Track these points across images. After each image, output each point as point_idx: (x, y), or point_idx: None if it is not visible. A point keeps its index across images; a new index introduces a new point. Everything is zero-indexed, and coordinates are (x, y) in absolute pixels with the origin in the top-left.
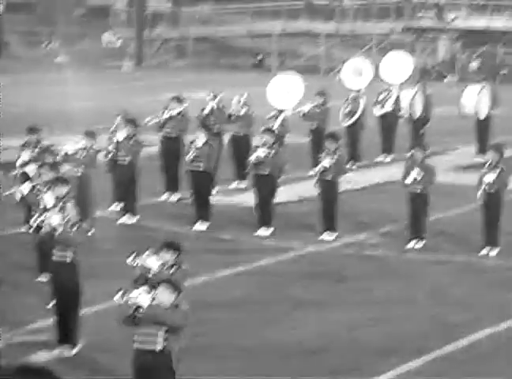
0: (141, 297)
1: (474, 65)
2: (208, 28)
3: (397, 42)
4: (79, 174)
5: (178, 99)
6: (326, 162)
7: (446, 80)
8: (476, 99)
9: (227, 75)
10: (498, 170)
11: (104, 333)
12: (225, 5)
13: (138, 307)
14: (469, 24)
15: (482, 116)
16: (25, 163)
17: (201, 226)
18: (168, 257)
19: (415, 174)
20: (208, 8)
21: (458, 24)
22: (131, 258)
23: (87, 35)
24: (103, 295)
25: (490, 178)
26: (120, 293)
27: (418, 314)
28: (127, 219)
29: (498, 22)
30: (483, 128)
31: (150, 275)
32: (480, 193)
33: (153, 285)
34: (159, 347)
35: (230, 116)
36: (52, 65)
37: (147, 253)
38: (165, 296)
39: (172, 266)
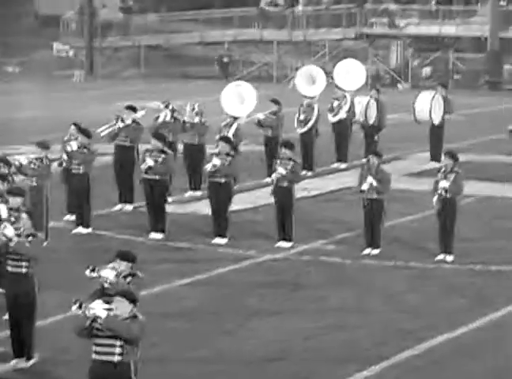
0: (98, 308)
1: (426, 71)
2: (160, 36)
3: (349, 49)
4: (33, 184)
5: (132, 108)
6: (282, 169)
7: (398, 87)
8: (429, 105)
9: (179, 84)
10: (453, 176)
11: (60, 345)
12: (176, 14)
13: (95, 318)
14: (421, 31)
15: (436, 122)
16: None
17: (156, 235)
18: (123, 267)
19: (370, 181)
20: (158, 16)
21: (410, 30)
22: (88, 270)
23: (37, 44)
24: (58, 307)
25: (445, 183)
26: (77, 304)
27: (374, 321)
28: (82, 229)
29: (450, 28)
30: (436, 134)
31: (106, 287)
32: (435, 199)
33: (110, 296)
34: (117, 359)
35: (184, 124)
36: (2, 74)
37: (102, 264)
38: (122, 307)
39: (128, 276)
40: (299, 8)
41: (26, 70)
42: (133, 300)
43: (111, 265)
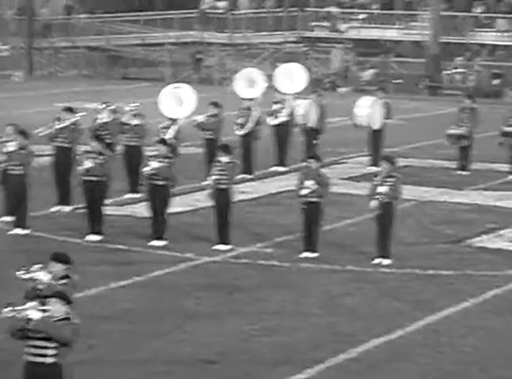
0: (31, 310)
1: (367, 75)
2: (101, 38)
3: (290, 52)
4: None
5: (70, 110)
6: (220, 171)
7: (338, 91)
8: (368, 109)
9: (120, 85)
10: (391, 181)
11: None
12: (118, 15)
13: (28, 320)
14: (362, 35)
15: (375, 127)
16: None
17: (94, 237)
18: (58, 269)
19: (309, 184)
20: (99, 17)
21: (351, 34)
22: (21, 272)
23: None
24: None
25: (383, 188)
26: (9, 308)
27: (310, 324)
28: (19, 231)
29: (391, 32)
30: (376, 139)
31: (40, 288)
32: (372, 203)
33: (44, 298)
34: (49, 360)
35: (123, 126)
36: None
37: (37, 266)
38: (55, 309)
39: (62, 278)
40: (240, 11)
41: None
42: (67, 302)
43: (44, 267)
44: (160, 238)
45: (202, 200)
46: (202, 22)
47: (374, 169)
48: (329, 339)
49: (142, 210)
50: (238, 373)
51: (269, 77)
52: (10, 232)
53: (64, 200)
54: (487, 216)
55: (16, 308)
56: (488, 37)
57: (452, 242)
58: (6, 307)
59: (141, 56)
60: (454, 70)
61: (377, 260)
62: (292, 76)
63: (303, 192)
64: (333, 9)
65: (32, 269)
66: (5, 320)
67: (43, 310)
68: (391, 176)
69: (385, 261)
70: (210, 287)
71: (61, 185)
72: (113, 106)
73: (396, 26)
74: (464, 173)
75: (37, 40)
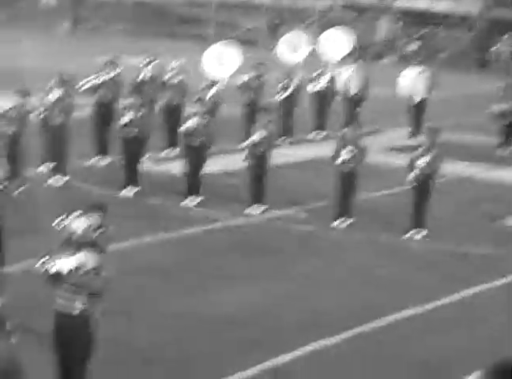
0: (63, 261)
1: (413, 46)
2: None
3: (336, 19)
4: (10, 132)
5: (113, 64)
6: (258, 134)
7: (384, 61)
8: (412, 81)
9: (164, 42)
10: (431, 154)
11: (26, 291)
12: None
13: (59, 270)
14: (411, 5)
15: (417, 99)
16: None
17: (129, 191)
18: (94, 219)
19: (346, 152)
20: None
21: (400, 4)
22: (57, 221)
23: None
24: (26, 253)
25: (423, 161)
26: (42, 260)
27: (340, 292)
28: (56, 181)
29: (440, 5)
30: (417, 111)
31: (75, 238)
32: (411, 175)
33: (78, 247)
34: (76, 311)
35: (164, 83)
36: None
37: (73, 215)
38: (88, 259)
39: (97, 229)
40: None
41: (11, 19)
42: (100, 252)
43: (80, 217)
44: (193, 196)
45: (239, 161)
46: None
47: (413, 141)
48: (358, 307)
49: (178, 167)
50: (264, 335)
51: (314, 43)
52: (48, 182)
53: (102, 152)
54: None
55: (50, 257)
56: None
57: (489, 219)
58: (41, 256)
59: (187, 14)
60: (501, 46)
61: (410, 233)
62: (337, 42)
63: (340, 159)
64: None
65: (67, 218)
66: (40, 269)
67: (74, 261)
68: (432, 149)
69: (419, 234)
70: (241, 248)
71: (99, 138)
72: (156, 62)
73: None
74: (507, 150)
75: None
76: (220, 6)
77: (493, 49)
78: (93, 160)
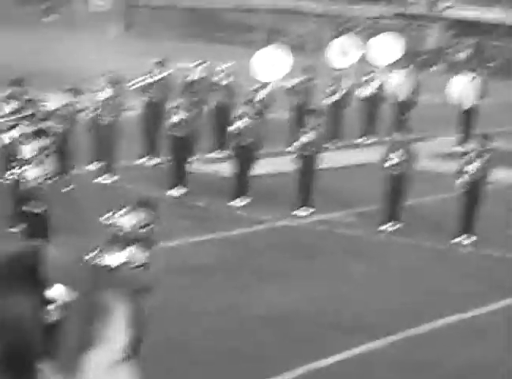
0: (113, 255)
1: (463, 55)
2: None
3: (386, 27)
4: (60, 130)
5: (162, 64)
6: (306, 137)
7: (433, 69)
8: (463, 88)
9: (213, 47)
10: (482, 160)
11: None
12: None
13: (108, 266)
14: (461, 15)
15: (467, 106)
16: (8, 115)
17: (176, 191)
18: (142, 216)
19: (396, 156)
20: None
21: (450, 13)
22: (105, 217)
23: None
24: (73, 250)
25: (472, 167)
26: (91, 254)
27: (384, 296)
28: (105, 179)
29: (490, 14)
30: (467, 118)
31: (123, 234)
32: (460, 181)
33: (126, 244)
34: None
35: (213, 85)
36: (41, 24)
37: (121, 211)
38: (135, 255)
39: (145, 225)
40: None
41: (63, 21)
42: (147, 249)
43: (128, 214)
44: (240, 197)
45: (287, 164)
46: None
47: (463, 148)
48: (401, 312)
49: (226, 169)
50: (308, 336)
51: (363, 49)
52: (96, 180)
53: (150, 152)
54: None
55: (100, 252)
56: None
57: None
58: (90, 252)
59: (237, 19)
60: None
61: (458, 239)
62: (386, 48)
63: (388, 164)
64: None
65: (115, 215)
66: (89, 262)
67: (123, 257)
68: (482, 155)
69: (467, 240)
70: (287, 249)
71: (148, 139)
72: (206, 65)
73: (495, 8)
74: None
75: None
76: (270, 12)
77: None
78: (142, 160)
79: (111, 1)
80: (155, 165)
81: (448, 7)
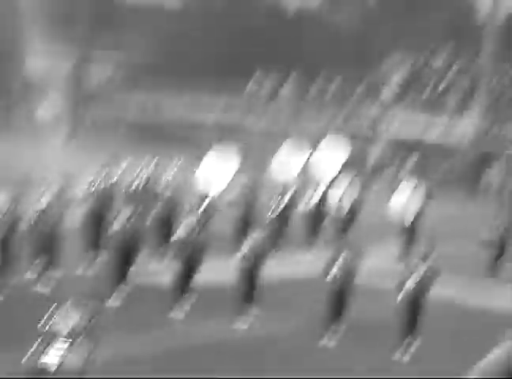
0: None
1: (405, 171)
2: (145, 114)
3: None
4: None
5: (105, 174)
6: (249, 247)
7: (376, 183)
8: (404, 202)
9: (158, 159)
10: (421, 274)
11: None
12: (163, 93)
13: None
14: (400, 135)
15: (408, 220)
16: None
17: (115, 300)
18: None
19: (337, 270)
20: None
21: (393, 133)
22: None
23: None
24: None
25: (413, 281)
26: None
27: None
28: (42, 287)
29: (431, 134)
30: (408, 231)
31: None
32: (401, 295)
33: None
34: None
35: (156, 195)
36: None
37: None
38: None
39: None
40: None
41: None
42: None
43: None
44: (182, 305)
45: (230, 272)
46: (245, 106)
47: (403, 262)
48: None
49: (168, 277)
50: None
51: (307, 161)
52: (35, 287)
53: (91, 260)
54: None
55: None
56: None
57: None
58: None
59: (182, 134)
60: (491, 177)
61: (400, 351)
62: (329, 161)
63: (330, 275)
64: (374, 109)
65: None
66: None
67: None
68: (422, 269)
69: (408, 353)
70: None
71: (89, 246)
72: (149, 175)
73: (436, 128)
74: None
75: (80, 109)
76: (215, 127)
77: (484, 179)
78: (83, 267)
79: (58, 111)
80: (96, 274)
81: (391, 125)
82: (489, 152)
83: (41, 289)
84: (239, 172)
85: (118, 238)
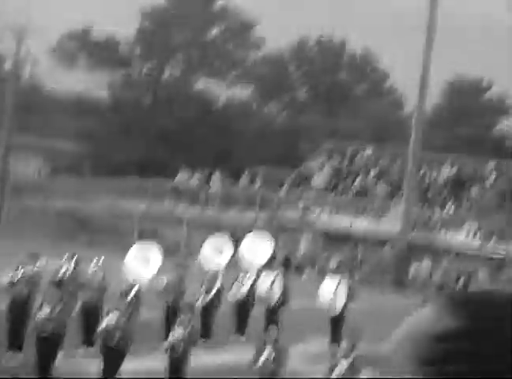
0: None
1: (333, 262)
2: (70, 201)
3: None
4: None
5: (30, 261)
6: (177, 336)
7: (304, 274)
8: (331, 293)
9: (85, 250)
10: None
11: None
12: (89, 180)
13: None
14: (332, 224)
15: (334, 311)
16: None
17: None
18: None
19: (266, 355)
20: (74, 181)
21: (321, 223)
22: None
23: None
24: None
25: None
26: None
27: None
28: None
29: (361, 224)
30: (336, 321)
31: None
32: None
33: None
34: None
35: (82, 283)
36: None
37: None
38: None
39: None
40: (213, 188)
41: None
42: None
43: None
44: None
45: (158, 361)
46: (174, 195)
47: (332, 350)
48: None
49: (94, 368)
50: None
51: (235, 250)
52: None
53: (15, 349)
54: None
55: None
56: None
57: None
58: None
59: (110, 224)
60: (419, 269)
61: None
62: (258, 250)
63: (259, 362)
64: (306, 195)
65: None
66: None
67: None
68: (349, 359)
69: None
70: None
71: (13, 335)
72: (75, 263)
73: (366, 218)
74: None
75: (7, 199)
76: (143, 217)
77: (411, 270)
78: (6, 357)
79: None
80: (20, 364)
81: (321, 215)
82: (417, 244)
83: None
84: (166, 262)
85: (44, 326)
